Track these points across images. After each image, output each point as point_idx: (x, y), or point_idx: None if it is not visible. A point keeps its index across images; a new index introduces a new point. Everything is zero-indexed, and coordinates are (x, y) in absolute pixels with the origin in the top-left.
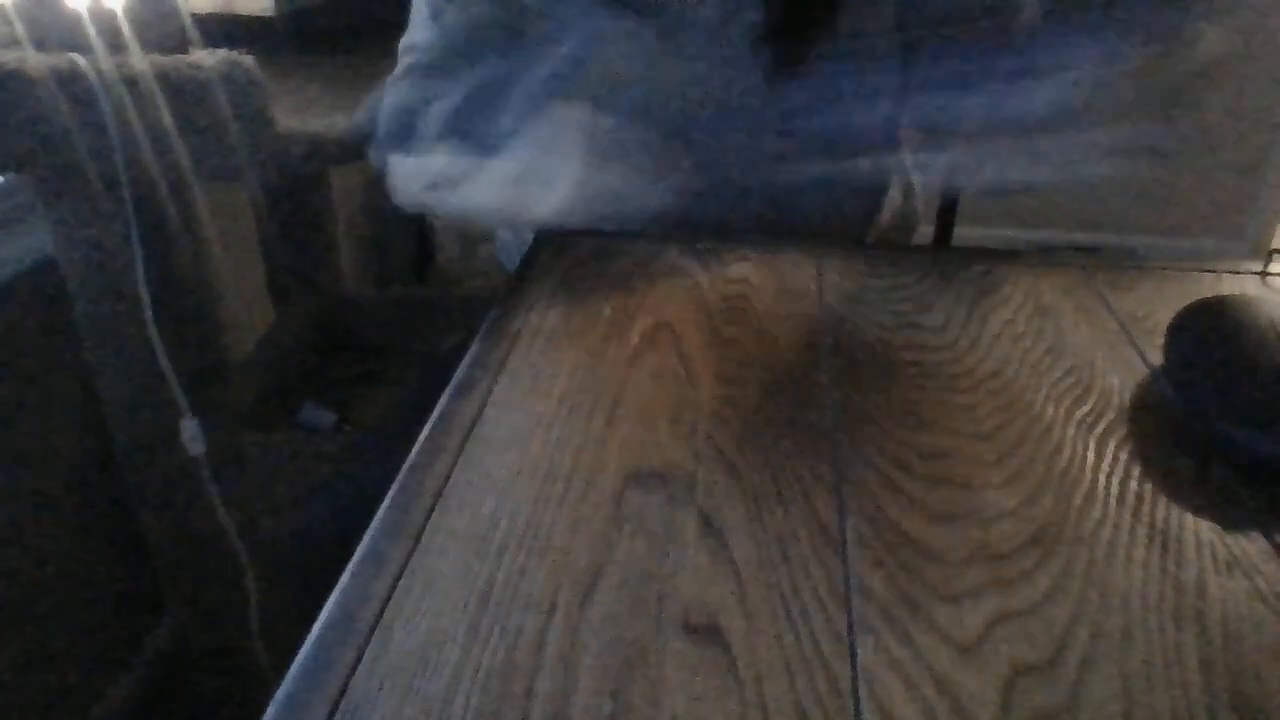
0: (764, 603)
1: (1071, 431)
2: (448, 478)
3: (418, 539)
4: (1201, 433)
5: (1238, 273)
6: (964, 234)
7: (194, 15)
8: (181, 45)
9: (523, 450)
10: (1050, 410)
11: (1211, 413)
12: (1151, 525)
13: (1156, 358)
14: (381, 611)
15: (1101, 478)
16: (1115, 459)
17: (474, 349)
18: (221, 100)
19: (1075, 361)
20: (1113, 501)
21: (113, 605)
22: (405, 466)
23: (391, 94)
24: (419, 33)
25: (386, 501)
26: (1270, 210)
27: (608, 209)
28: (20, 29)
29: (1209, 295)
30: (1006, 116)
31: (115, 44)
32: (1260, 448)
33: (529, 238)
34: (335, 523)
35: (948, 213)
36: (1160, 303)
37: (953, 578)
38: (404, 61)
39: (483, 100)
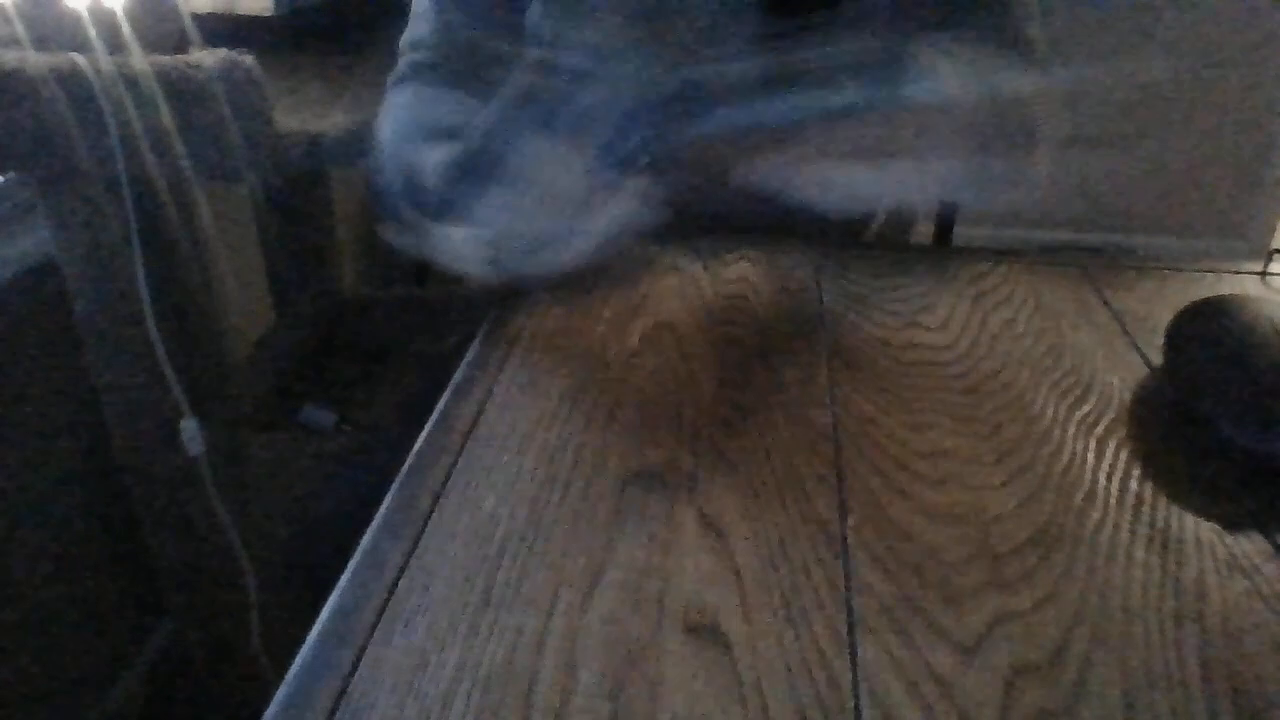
0: (764, 603)
1: (1071, 431)
2: (448, 478)
3: (418, 539)
4: (1201, 433)
5: (1238, 273)
6: (964, 234)
7: (194, 15)
8: (181, 45)
9: (523, 450)
10: (1050, 410)
11: (1211, 413)
12: (1151, 525)
13: (1156, 358)
14: (381, 611)
15: (1101, 478)
16: (1115, 459)
17: (474, 349)
18: (221, 100)
19: (1075, 361)
20: (1113, 501)
21: (113, 605)
22: (405, 466)
23: (396, 103)
24: (421, 29)
25: (386, 501)
26: (1270, 210)
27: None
28: (20, 29)
29: (1209, 295)
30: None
31: (115, 44)
32: (1260, 448)
33: None
34: (335, 523)
35: (948, 213)
36: (1160, 303)
37: (953, 578)
38: (405, 60)
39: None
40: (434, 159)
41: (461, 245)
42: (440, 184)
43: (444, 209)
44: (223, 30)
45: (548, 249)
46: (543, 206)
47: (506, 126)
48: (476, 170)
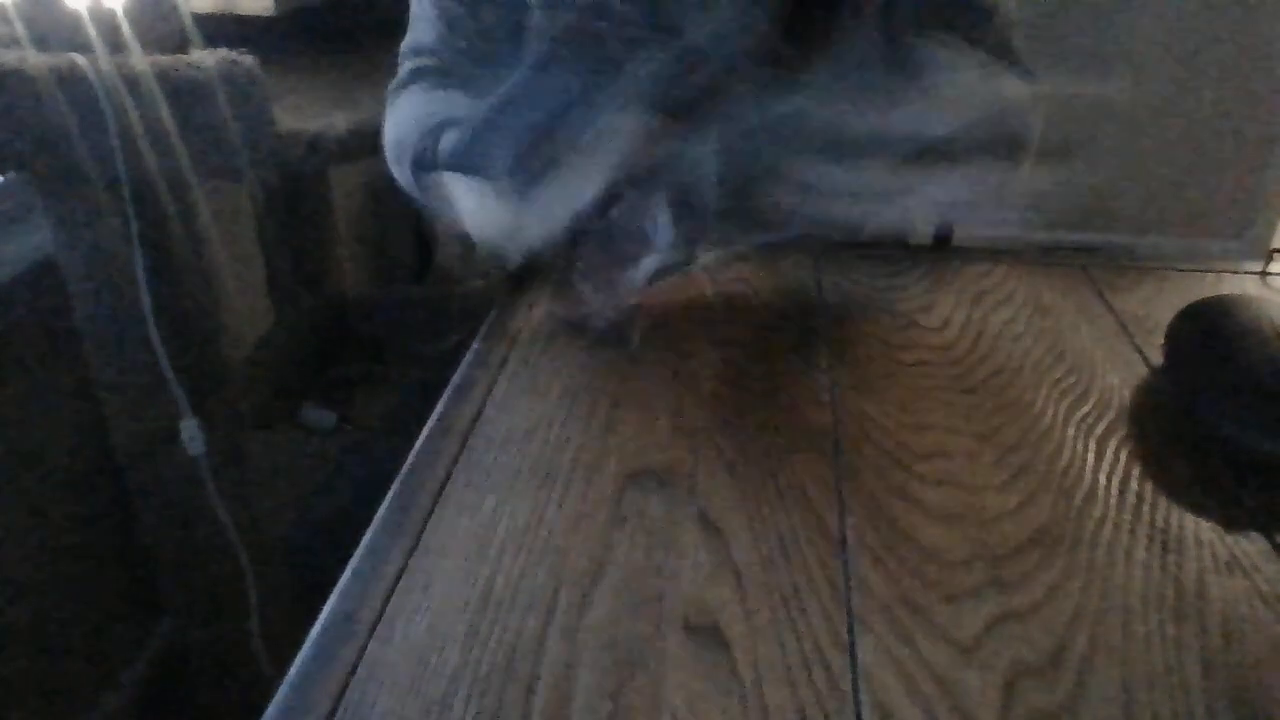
0: (764, 603)
1: (1071, 431)
2: (448, 478)
3: (418, 539)
4: (1201, 433)
5: (1238, 273)
6: (964, 234)
7: (194, 15)
8: (181, 45)
9: (523, 450)
10: (1050, 410)
11: (1211, 413)
12: (1151, 525)
13: (1156, 358)
14: (381, 611)
15: (1101, 478)
16: (1115, 459)
17: (474, 349)
18: (221, 100)
19: (1075, 361)
20: (1113, 501)
21: (113, 605)
22: (405, 466)
23: (401, 105)
24: (423, 34)
25: (386, 501)
26: (1270, 210)
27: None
28: (20, 29)
29: (1209, 295)
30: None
31: (115, 44)
32: (1260, 447)
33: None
34: (335, 523)
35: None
36: (1160, 303)
37: (953, 578)
38: (407, 66)
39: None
40: (447, 139)
41: (484, 200)
42: (466, 138)
43: (469, 163)
44: (223, 30)
45: (566, 203)
46: (575, 159)
47: (542, 77)
48: (508, 120)
